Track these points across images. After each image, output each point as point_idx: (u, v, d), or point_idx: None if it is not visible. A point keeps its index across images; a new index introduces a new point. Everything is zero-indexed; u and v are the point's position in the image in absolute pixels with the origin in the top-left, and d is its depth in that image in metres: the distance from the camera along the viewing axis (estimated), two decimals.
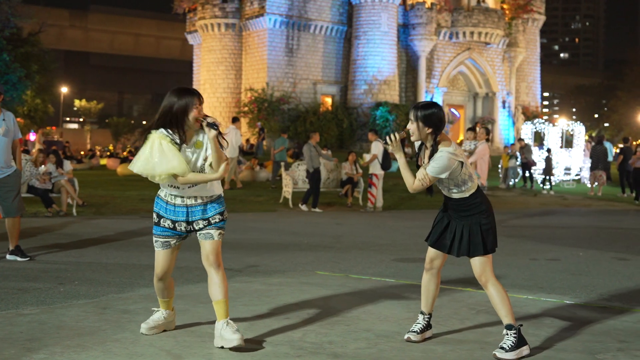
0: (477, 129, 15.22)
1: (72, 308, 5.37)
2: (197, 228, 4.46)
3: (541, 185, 24.28)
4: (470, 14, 46.92)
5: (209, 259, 4.42)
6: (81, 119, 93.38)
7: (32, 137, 37.82)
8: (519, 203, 19.83)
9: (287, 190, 16.92)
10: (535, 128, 28.59)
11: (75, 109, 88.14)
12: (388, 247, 9.80)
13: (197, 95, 4.36)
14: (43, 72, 40.42)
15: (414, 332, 4.67)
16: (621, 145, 24.61)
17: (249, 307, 5.46)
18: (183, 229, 4.48)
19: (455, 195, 4.54)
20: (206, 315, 5.17)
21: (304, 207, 15.78)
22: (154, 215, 4.55)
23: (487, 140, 14.39)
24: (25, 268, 7.30)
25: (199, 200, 4.45)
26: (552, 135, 27.30)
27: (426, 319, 4.73)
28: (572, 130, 28.14)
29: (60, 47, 78.69)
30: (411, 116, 4.49)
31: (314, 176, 15.92)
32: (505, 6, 49.81)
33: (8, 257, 7.82)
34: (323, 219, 14.16)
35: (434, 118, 4.43)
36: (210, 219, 4.45)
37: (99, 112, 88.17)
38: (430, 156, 4.47)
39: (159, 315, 4.73)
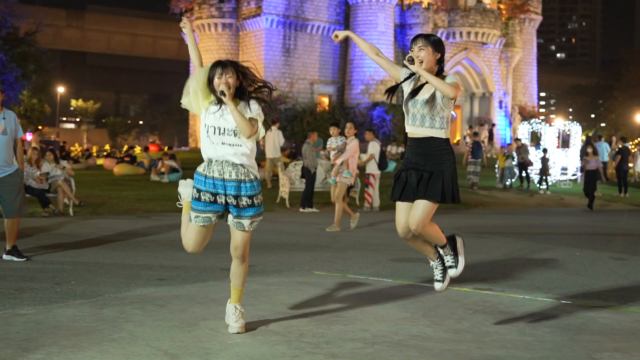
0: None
1: (68, 308, 5.36)
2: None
3: (538, 185, 24.31)
4: (467, 14, 46.92)
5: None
6: (78, 119, 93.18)
7: (28, 137, 37.72)
8: (516, 203, 19.86)
9: (284, 190, 16.91)
10: (532, 128, 28.60)
11: (71, 109, 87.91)
12: (385, 247, 9.81)
13: (222, 65, 4.65)
14: (40, 72, 40.36)
15: (439, 280, 4.78)
16: (620, 145, 24.67)
17: (245, 307, 5.44)
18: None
19: (436, 133, 4.55)
20: (203, 314, 5.16)
21: (306, 211, 15.70)
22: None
23: (356, 136, 12.73)
24: (22, 268, 7.29)
25: None
26: (549, 135, 27.33)
27: (439, 262, 4.82)
28: (568, 130, 28.18)
29: (57, 47, 78.52)
30: (420, 44, 4.53)
31: (314, 175, 15.89)
32: (502, 6, 49.81)
33: (5, 257, 7.80)
34: (320, 219, 14.16)
35: (442, 44, 4.57)
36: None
37: (96, 112, 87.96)
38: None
39: (232, 308, 4.80)
